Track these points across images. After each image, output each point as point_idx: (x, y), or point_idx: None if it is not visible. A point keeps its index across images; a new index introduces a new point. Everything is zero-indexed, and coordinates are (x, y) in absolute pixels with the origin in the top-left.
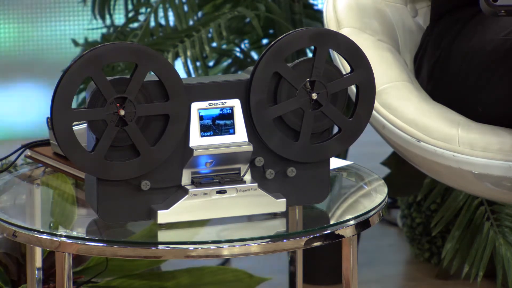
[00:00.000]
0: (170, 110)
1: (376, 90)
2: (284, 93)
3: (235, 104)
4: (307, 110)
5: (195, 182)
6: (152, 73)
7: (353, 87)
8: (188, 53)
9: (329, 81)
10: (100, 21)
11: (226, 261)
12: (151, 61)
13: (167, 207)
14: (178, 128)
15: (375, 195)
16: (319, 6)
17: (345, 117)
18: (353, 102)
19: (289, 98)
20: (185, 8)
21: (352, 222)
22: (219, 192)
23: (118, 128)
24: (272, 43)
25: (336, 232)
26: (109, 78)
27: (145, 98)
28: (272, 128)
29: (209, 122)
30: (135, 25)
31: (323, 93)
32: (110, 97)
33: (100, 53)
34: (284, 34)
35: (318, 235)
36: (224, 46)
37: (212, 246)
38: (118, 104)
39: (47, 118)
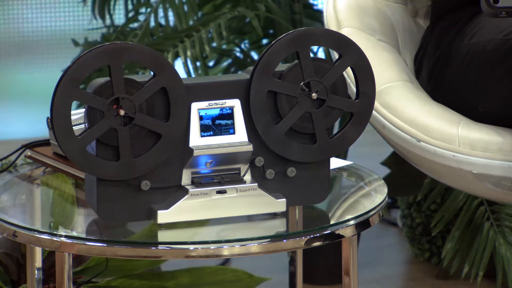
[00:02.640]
0: (164, 82)
1: (376, 90)
2: (285, 104)
3: (235, 104)
4: (313, 111)
5: (195, 182)
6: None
7: (348, 73)
8: (188, 53)
9: (323, 76)
10: (100, 21)
11: (226, 261)
12: (120, 55)
13: (167, 207)
14: (180, 94)
15: (375, 195)
16: (319, 6)
17: (351, 100)
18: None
19: (291, 107)
20: (185, 8)
21: (352, 222)
22: (219, 192)
23: (128, 126)
24: (256, 63)
25: (336, 232)
26: (91, 88)
27: (136, 88)
28: (287, 142)
29: (209, 122)
30: (135, 25)
31: (322, 89)
32: (104, 106)
33: (73, 75)
34: (264, 51)
35: (318, 235)
36: (224, 46)
37: (212, 246)
38: (115, 106)
39: (47, 118)
